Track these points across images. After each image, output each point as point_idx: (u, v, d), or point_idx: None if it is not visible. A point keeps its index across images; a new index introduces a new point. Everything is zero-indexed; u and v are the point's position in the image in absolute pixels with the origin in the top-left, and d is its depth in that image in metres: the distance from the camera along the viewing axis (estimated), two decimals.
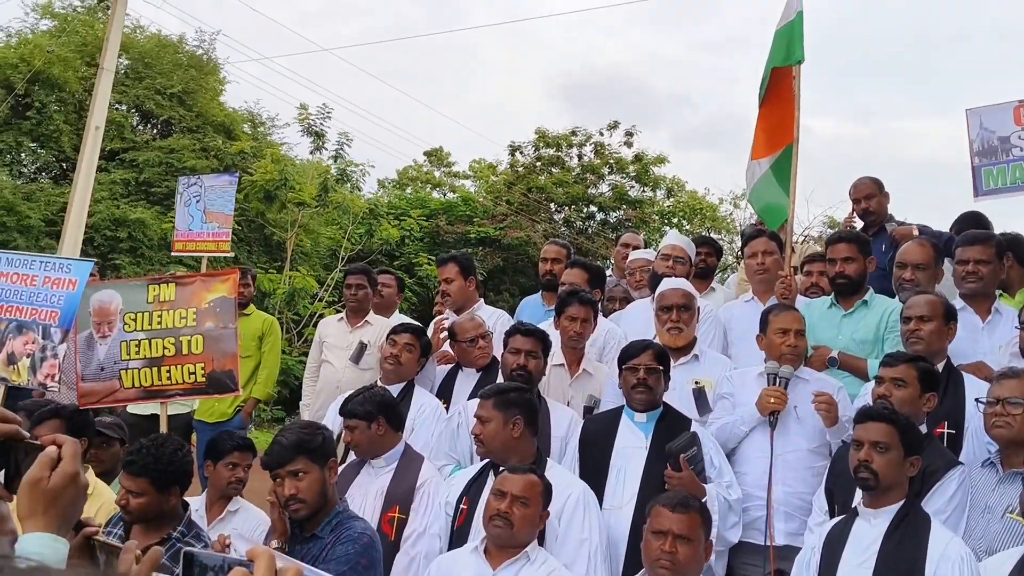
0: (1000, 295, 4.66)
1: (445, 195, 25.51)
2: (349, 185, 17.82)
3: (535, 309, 5.70)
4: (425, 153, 28.28)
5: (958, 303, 4.29)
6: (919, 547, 3.02)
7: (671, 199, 24.25)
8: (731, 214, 25.05)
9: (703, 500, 3.66)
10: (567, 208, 23.24)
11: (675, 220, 23.58)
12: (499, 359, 4.58)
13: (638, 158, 23.23)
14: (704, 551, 3.24)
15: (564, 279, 5.32)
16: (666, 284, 4.68)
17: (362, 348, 5.76)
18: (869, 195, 5.72)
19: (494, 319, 5.40)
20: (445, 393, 4.78)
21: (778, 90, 5.19)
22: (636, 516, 3.70)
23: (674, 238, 5.65)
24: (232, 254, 8.53)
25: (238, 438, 4.34)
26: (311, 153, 18.12)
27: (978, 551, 3.17)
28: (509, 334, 4.45)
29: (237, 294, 4.93)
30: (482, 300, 5.60)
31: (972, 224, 5.64)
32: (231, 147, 16.84)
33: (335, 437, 4.45)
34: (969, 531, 3.31)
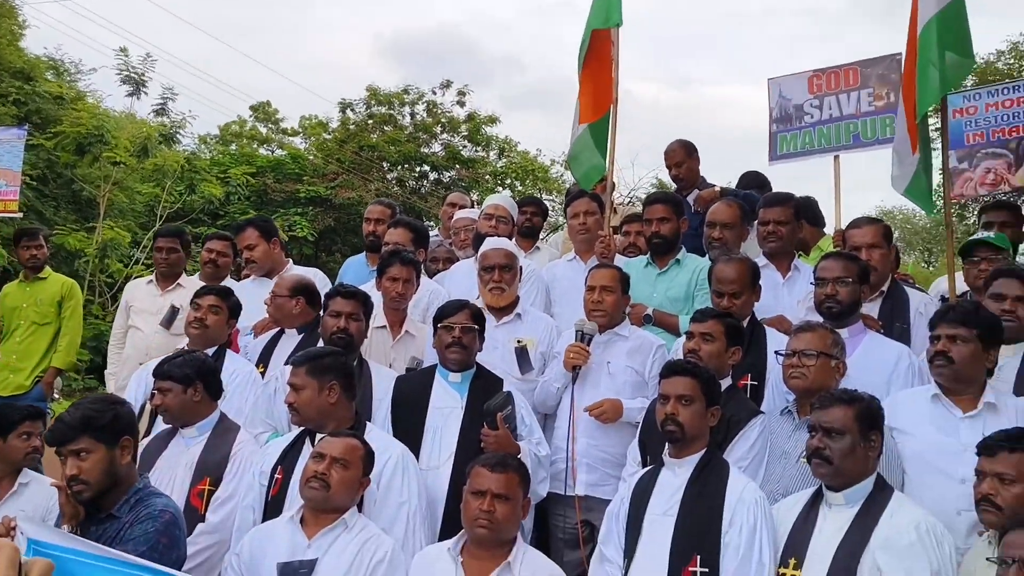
0: (799, 254, 4.96)
1: (273, 152, 24.50)
2: (168, 140, 16.68)
3: (359, 270, 5.57)
4: (251, 108, 26.97)
5: (761, 260, 4.52)
6: (718, 493, 3.16)
7: (503, 159, 24.40)
8: (563, 175, 25.54)
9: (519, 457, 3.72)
10: (400, 167, 22.95)
11: (508, 181, 23.78)
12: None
13: (470, 118, 23.20)
14: (522, 509, 3.27)
15: (387, 239, 5.20)
16: (488, 244, 4.67)
17: (174, 312, 5.46)
18: (680, 160, 5.92)
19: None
20: (266, 357, 4.57)
21: (598, 53, 5.25)
22: (454, 476, 3.70)
23: (497, 198, 5.66)
24: (19, 214, 7.80)
25: (26, 407, 4.03)
26: (128, 97, 16.86)
27: (776, 494, 3.36)
28: (329, 296, 4.31)
29: None
30: (291, 261, 5.42)
31: (754, 182, 6.00)
32: (38, 88, 15.32)
33: (141, 407, 4.19)
34: (768, 475, 3.50)
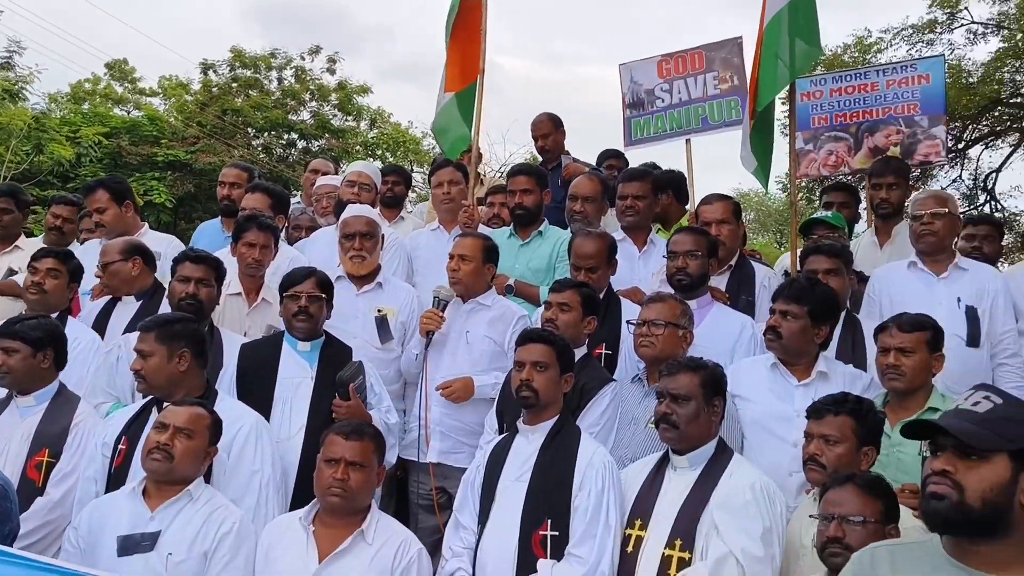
0: (658, 229, 5.11)
1: (129, 113, 23.20)
2: (13, 97, 15.53)
3: (213, 236, 5.36)
4: (107, 66, 25.37)
5: (619, 234, 4.64)
6: (569, 458, 3.23)
7: (375, 130, 24.02)
8: (434, 148, 25.36)
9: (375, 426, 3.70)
10: (266, 134, 22.22)
11: (379, 152, 23.43)
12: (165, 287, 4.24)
13: (341, 86, 22.68)
14: (376, 476, 3.25)
15: (244, 204, 5.02)
16: (349, 211, 4.59)
17: (10, 275, 5.10)
18: (546, 133, 5.98)
19: (164, 244, 5.01)
20: (100, 327, 4.33)
21: (467, 23, 5.23)
22: (306, 446, 3.64)
23: (361, 165, 5.56)
24: None
25: None
26: None
27: (625, 459, 3.46)
28: (177, 261, 4.12)
29: None
30: (146, 225, 5.17)
31: (612, 157, 6.14)
32: None
33: None
34: (618, 441, 3.61)
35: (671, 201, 5.29)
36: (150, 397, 3.55)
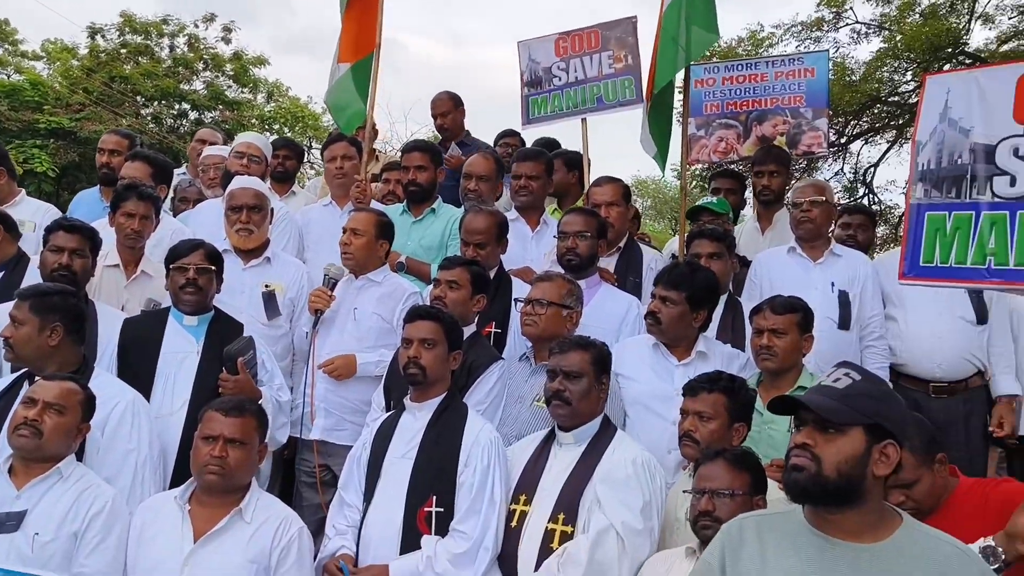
0: (553, 210, 5.16)
1: (9, 77, 21.84)
2: None
3: (92, 205, 5.11)
4: None
5: (512, 214, 4.66)
6: (456, 435, 3.25)
7: (272, 104, 23.35)
8: (334, 124, 24.84)
9: (259, 403, 3.62)
10: (156, 103, 21.30)
11: (276, 126, 22.79)
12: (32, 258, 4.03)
13: (237, 57, 21.92)
14: (258, 454, 3.19)
15: (123, 172, 4.81)
16: (237, 182, 4.46)
17: None
18: (445, 111, 5.94)
19: (41, 214, 4.77)
20: None
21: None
22: (188, 422, 3.52)
23: (250, 136, 5.41)
24: None
25: None
26: None
27: (510, 436, 3.50)
28: (50, 230, 3.92)
29: None
30: (23, 192, 4.91)
31: (507, 136, 6.15)
32: None
33: None
34: (504, 418, 3.64)
35: (576, 180, 5.34)
36: (23, 371, 3.38)
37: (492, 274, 4.16)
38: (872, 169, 14.36)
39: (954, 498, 2.80)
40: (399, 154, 5.46)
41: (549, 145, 6.00)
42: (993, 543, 2.42)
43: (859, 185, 14.35)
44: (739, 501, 2.70)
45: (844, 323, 4.22)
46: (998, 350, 4.30)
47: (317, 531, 3.52)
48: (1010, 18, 13.33)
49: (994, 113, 2.68)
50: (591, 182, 4.84)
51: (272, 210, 4.49)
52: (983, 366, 4.31)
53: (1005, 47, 12.78)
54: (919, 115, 2.89)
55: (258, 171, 4.96)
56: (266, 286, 4.30)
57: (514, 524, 3.12)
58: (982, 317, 4.29)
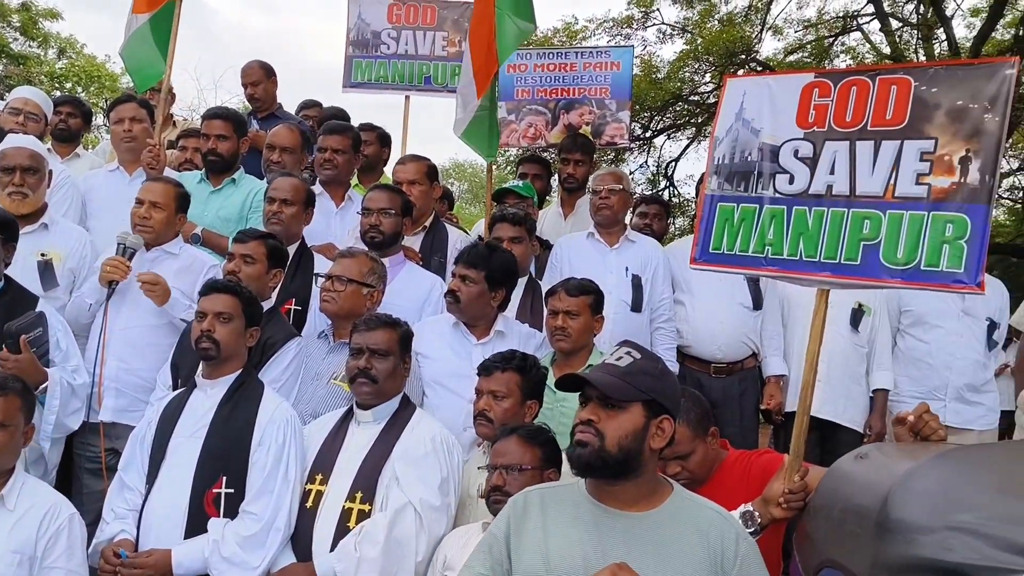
0: (357, 185, 5.08)
1: None
2: None
3: None
4: None
5: (316, 188, 4.55)
6: (250, 413, 3.14)
7: (64, 60, 21.50)
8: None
9: (44, 384, 3.39)
10: None
11: (68, 85, 21.00)
12: None
13: (25, 7, 19.98)
14: (23, 437, 2.94)
15: None
16: (10, 141, 4.07)
17: None
18: (256, 80, 5.71)
19: None
20: None
21: None
22: None
23: (27, 91, 4.92)
24: None
25: None
26: None
27: (306, 415, 3.41)
28: None
29: None
30: None
31: (310, 107, 6.01)
32: None
33: None
34: (300, 396, 3.55)
35: (387, 158, 5.28)
36: None
37: (294, 249, 4.04)
38: (673, 163, 15.17)
39: (723, 468, 3.02)
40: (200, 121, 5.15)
41: (340, 116, 5.81)
42: (751, 508, 2.64)
43: (661, 178, 15.11)
44: (528, 475, 2.78)
45: (636, 306, 4.45)
46: (769, 334, 4.69)
47: (98, 520, 3.28)
48: (796, 31, 14.52)
49: (781, 117, 2.89)
50: (397, 160, 4.81)
51: (51, 172, 4.13)
52: (757, 348, 4.69)
53: (791, 57, 13.89)
54: (718, 113, 3.08)
55: (35, 130, 4.54)
56: (42, 255, 3.96)
57: (309, 504, 3.05)
58: (758, 303, 4.66)
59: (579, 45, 8.95)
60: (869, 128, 2.70)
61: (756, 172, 2.94)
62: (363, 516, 2.96)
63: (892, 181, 2.62)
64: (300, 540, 3.02)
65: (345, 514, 2.99)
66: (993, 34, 12.13)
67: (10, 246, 3.58)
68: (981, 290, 2.45)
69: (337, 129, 4.77)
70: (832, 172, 2.76)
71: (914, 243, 2.54)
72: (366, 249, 3.92)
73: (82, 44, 21.95)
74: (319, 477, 3.10)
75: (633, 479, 2.21)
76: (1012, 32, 12.36)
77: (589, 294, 3.69)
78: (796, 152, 2.85)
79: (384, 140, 5.39)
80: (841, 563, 2.12)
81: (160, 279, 3.76)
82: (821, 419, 4.41)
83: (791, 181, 2.86)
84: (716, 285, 4.50)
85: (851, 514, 2.16)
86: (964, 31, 13.47)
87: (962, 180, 2.49)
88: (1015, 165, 15.30)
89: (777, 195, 2.87)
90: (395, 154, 5.37)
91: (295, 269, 4.00)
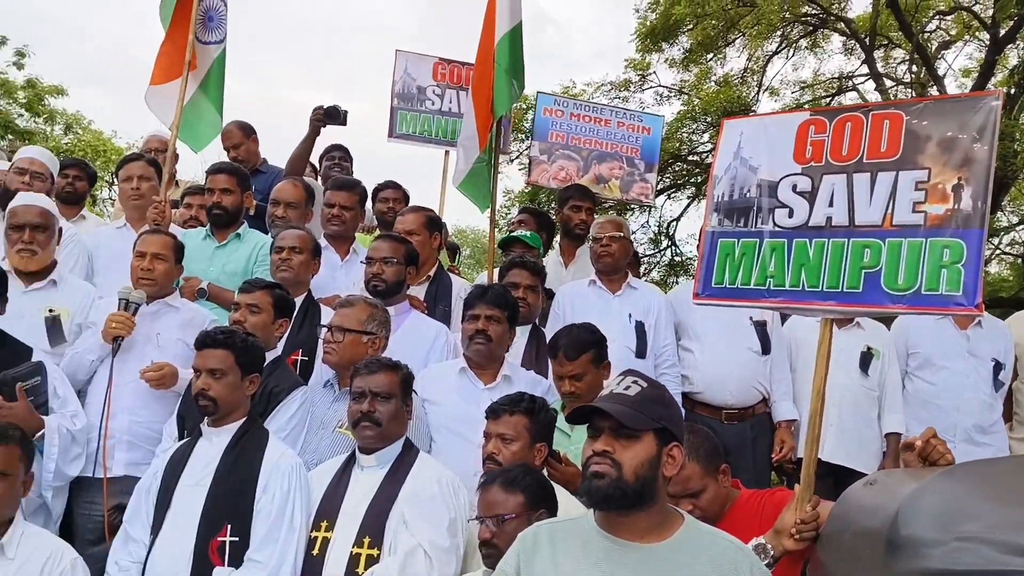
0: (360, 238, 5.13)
1: None
2: None
3: None
4: None
5: (321, 242, 4.59)
6: (255, 461, 3.12)
7: (70, 136, 21.91)
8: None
9: (40, 432, 3.39)
10: None
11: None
12: None
13: (31, 84, 20.44)
14: (23, 486, 2.93)
15: None
16: (20, 199, 4.13)
17: None
18: (237, 143, 5.79)
19: None
20: None
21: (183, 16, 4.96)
22: None
23: (34, 151, 5.01)
24: None
25: None
26: None
27: (311, 464, 3.38)
28: None
29: None
30: None
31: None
32: None
33: None
34: (307, 445, 3.53)
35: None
36: None
37: (300, 300, 4.07)
38: (674, 223, 15.31)
39: (735, 507, 2.98)
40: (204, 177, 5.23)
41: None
42: (764, 541, 2.60)
43: (663, 237, 15.22)
44: (514, 524, 2.65)
45: (641, 352, 4.44)
46: (777, 378, 4.67)
47: None
48: (792, 92, 14.81)
49: (778, 154, 2.96)
50: (400, 211, 4.87)
51: (60, 230, 4.19)
52: (767, 393, 4.66)
53: None
54: (716, 153, 3.16)
55: (42, 189, 4.59)
56: (50, 310, 3.98)
57: (316, 552, 3.01)
58: (766, 348, 4.64)
59: (614, 105, 9.33)
60: (865, 161, 2.75)
61: (755, 208, 2.99)
62: (372, 561, 2.92)
63: (890, 210, 2.66)
64: None
65: (353, 560, 2.94)
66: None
67: (2, 299, 3.60)
68: (980, 311, 2.49)
69: (345, 185, 4.84)
70: (831, 204, 2.80)
71: (913, 269, 2.57)
72: (366, 296, 3.93)
73: (88, 120, 22.38)
74: (324, 524, 3.06)
75: (646, 509, 2.18)
76: (1004, 90, 12.61)
77: (588, 349, 3.62)
78: (794, 187, 2.90)
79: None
80: None
81: (164, 366, 3.76)
82: (834, 464, 4.37)
83: (790, 215, 2.90)
84: (724, 330, 4.51)
85: (862, 538, 2.15)
86: (956, 90, 13.75)
87: (956, 207, 2.53)
88: (1015, 220, 15.42)
89: (777, 228, 2.91)
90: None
91: (302, 320, 4.02)
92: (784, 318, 4.76)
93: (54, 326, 3.98)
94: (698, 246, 3.65)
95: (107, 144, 22.56)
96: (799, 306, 2.85)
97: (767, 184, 2.97)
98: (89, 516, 3.73)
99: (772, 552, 2.57)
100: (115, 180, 5.06)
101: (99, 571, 3.27)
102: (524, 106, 10.18)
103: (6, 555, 2.77)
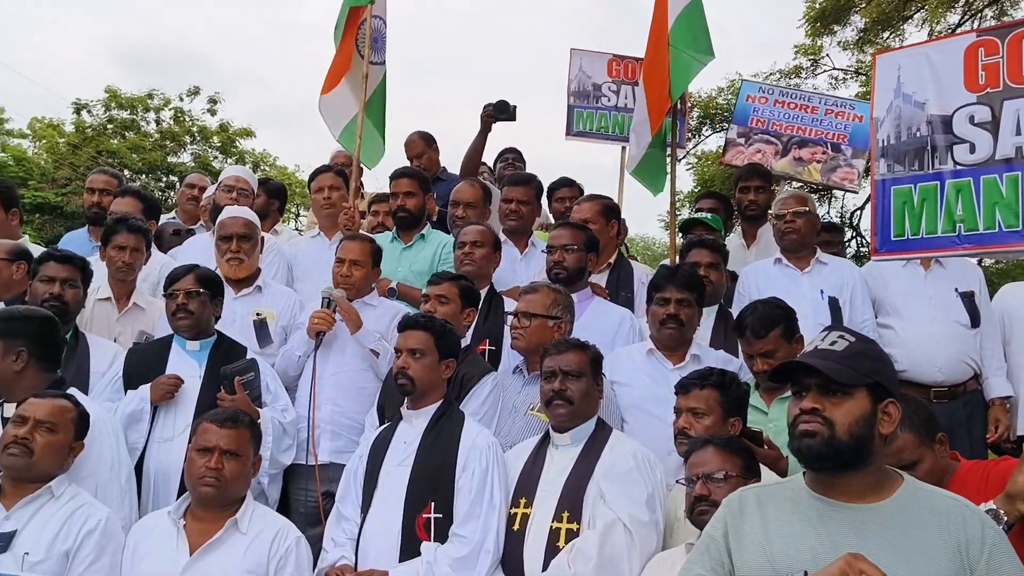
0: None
1: None
2: None
3: (80, 246, 5.06)
4: None
5: (502, 236, 4.69)
6: (452, 440, 3.22)
7: (259, 173, 23.62)
8: None
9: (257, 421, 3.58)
10: (144, 176, 21.50)
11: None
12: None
13: (223, 128, 22.24)
14: (252, 467, 3.15)
15: (114, 208, 4.85)
16: (227, 212, 4.48)
17: None
18: (420, 152, 6.01)
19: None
20: None
21: (352, 28, 5.28)
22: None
23: (238, 170, 5.44)
24: None
25: None
26: None
27: (504, 447, 3.44)
28: (40, 261, 3.91)
29: None
30: (27, 237, 4.90)
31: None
32: None
33: None
34: (499, 428, 3.60)
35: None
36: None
37: (483, 293, 4.18)
38: (858, 212, 14.54)
39: (955, 479, 2.78)
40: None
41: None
42: (995, 506, 2.40)
43: (847, 228, 14.50)
44: (733, 483, 2.63)
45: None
46: (989, 352, 4.32)
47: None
48: None
49: (946, 84, 2.73)
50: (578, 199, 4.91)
51: (263, 239, 4.51)
52: (978, 369, 4.32)
53: None
54: (873, 93, 2.95)
55: (246, 204, 4.98)
56: (257, 314, 4.29)
57: (516, 527, 3.08)
58: (975, 320, 4.31)
59: (823, 92, 9.16)
60: None
61: (929, 147, 2.77)
62: (571, 535, 2.95)
63: None
64: (510, 562, 3.04)
65: (553, 534, 2.98)
66: None
67: (218, 300, 3.90)
68: None
69: (521, 180, 4.94)
70: (1018, 132, 2.55)
71: None
72: (548, 282, 3.98)
73: (274, 157, 24.04)
74: (523, 500, 3.12)
75: (862, 469, 2.07)
76: None
77: (777, 324, 3.51)
78: (972, 118, 2.66)
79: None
80: None
81: (354, 310, 4.00)
82: None
83: (972, 150, 2.66)
84: (928, 304, 4.26)
85: None
86: None
87: None
88: None
89: (959, 167, 2.68)
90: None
91: (487, 311, 4.12)
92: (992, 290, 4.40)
93: (262, 328, 4.28)
94: (869, 197, 3.42)
95: (291, 178, 24.18)
96: (999, 249, 2.60)
97: (939, 119, 2.74)
98: (304, 501, 3.98)
99: (1005, 518, 2.37)
100: (299, 212, 5.43)
101: (316, 552, 3.48)
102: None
103: (240, 529, 2.98)
